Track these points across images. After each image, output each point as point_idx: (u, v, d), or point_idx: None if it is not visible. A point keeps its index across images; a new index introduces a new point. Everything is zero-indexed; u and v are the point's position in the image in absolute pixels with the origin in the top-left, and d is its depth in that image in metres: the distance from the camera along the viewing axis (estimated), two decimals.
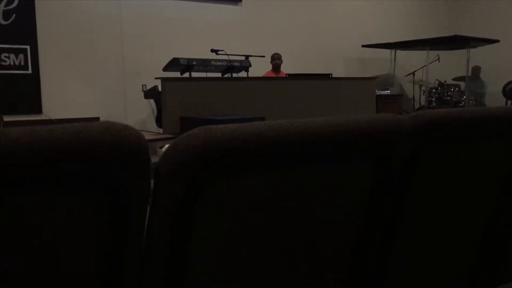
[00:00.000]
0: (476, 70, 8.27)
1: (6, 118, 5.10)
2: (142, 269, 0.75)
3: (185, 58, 5.17)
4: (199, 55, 5.43)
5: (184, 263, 0.76)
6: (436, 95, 7.82)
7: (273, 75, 6.49)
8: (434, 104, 7.78)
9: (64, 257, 0.67)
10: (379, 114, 0.91)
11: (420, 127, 0.95)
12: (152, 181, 0.73)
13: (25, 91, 5.77)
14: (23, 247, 0.65)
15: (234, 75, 5.70)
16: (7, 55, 5.67)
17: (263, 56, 6.14)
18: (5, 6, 5.62)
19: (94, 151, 0.59)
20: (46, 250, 0.65)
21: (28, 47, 5.77)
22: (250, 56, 5.81)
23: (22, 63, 5.76)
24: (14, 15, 5.66)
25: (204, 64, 5.33)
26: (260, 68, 6.20)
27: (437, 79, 8.07)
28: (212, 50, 5.59)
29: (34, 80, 5.82)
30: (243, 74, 5.76)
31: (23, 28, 5.72)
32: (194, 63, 5.21)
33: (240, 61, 5.64)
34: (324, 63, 7.72)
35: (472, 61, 7.80)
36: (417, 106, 8.52)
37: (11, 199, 0.60)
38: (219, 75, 5.64)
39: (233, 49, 5.79)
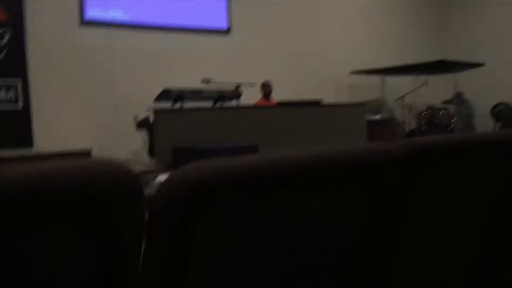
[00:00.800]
0: (460, 95, 8.38)
1: None
2: None
3: (176, 89, 5.21)
4: (191, 85, 5.47)
5: None
6: (426, 119, 7.91)
7: (264, 103, 6.54)
8: (424, 128, 7.86)
9: None
10: (369, 144, 0.93)
11: (410, 155, 0.97)
12: (146, 214, 0.73)
13: (16, 125, 5.77)
14: (20, 285, 0.64)
15: (226, 103, 5.74)
16: None
17: (254, 83, 6.21)
18: None
19: (87, 190, 0.60)
20: (43, 286, 0.65)
21: (20, 80, 5.79)
22: (241, 84, 5.87)
23: (13, 98, 5.77)
24: (5, 51, 5.70)
25: (195, 94, 5.37)
26: (251, 96, 6.26)
27: (426, 103, 8.18)
28: (203, 80, 5.64)
29: (25, 114, 5.82)
30: (234, 102, 5.80)
31: (14, 63, 5.75)
32: (185, 93, 5.25)
33: (231, 90, 5.69)
34: (315, 90, 7.79)
35: (460, 84, 7.92)
36: (408, 129, 8.60)
37: (6, 238, 0.59)
38: (210, 104, 5.68)
39: (224, 79, 5.85)
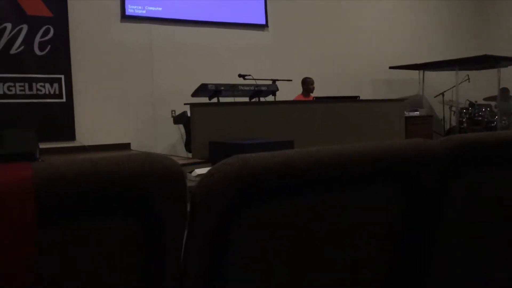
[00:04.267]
0: (505, 91, 8.09)
1: (42, 145, 5.25)
2: None
3: (213, 84, 5.26)
4: (227, 80, 5.52)
5: (220, 286, 0.78)
6: (467, 116, 7.70)
7: (303, 99, 6.52)
8: (465, 124, 7.65)
9: (104, 283, 0.70)
10: (409, 140, 0.92)
11: (450, 152, 0.95)
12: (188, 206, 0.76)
13: (60, 119, 5.96)
14: (65, 275, 0.67)
15: (262, 99, 5.76)
16: (42, 84, 5.88)
17: (290, 80, 6.20)
18: (41, 38, 5.85)
19: (134, 181, 0.62)
20: (88, 276, 0.68)
21: (62, 76, 5.98)
22: (277, 80, 5.87)
23: (57, 92, 5.96)
24: (49, 46, 5.89)
25: (232, 89, 5.40)
26: (287, 92, 6.25)
27: (467, 99, 7.95)
28: (240, 75, 5.67)
29: (68, 108, 6.01)
30: (270, 98, 5.81)
31: (58, 58, 5.94)
32: (222, 88, 5.29)
33: (267, 85, 5.70)
34: (352, 86, 7.72)
35: (504, 80, 7.66)
36: (447, 127, 8.39)
37: (55, 228, 0.63)
38: (246, 99, 5.70)
39: (260, 74, 5.87)
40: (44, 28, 5.86)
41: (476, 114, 7.66)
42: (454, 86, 7.64)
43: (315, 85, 6.76)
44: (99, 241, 0.67)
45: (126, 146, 6.12)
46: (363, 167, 0.85)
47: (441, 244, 1.11)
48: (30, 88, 5.81)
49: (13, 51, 5.70)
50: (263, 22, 7.36)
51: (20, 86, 5.75)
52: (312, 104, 5.84)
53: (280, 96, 5.87)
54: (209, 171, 0.72)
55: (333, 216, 0.89)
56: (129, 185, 0.62)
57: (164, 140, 6.51)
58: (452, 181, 1.00)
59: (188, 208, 0.73)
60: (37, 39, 5.83)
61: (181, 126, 6.14)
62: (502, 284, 1.30)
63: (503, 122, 7.65)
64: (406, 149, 0.88)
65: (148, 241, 0.69)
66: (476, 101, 7.94)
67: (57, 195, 0.58)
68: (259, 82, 5.64)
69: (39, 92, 5.85)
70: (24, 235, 0.61)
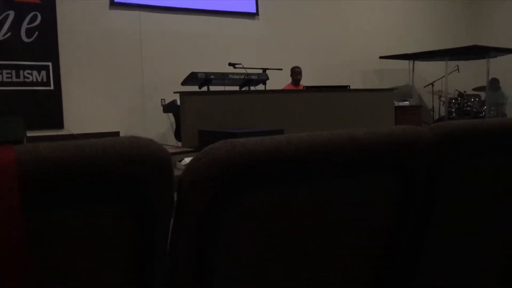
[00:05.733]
0: (495, 82, 8.14)
1: (29, 133, 5.20)
2: (167, 280, 0.76)
3: (203, 72, 5.22)
4: (217, 69, 5.49)
5: (208, 275, 0.77)
6: (456, 106, 7.74)
7: (293, 88, 6.51)
8: (454, 114, 7.70)
9: (91, 270, 0.69)
10: (398, 126, 0.91)
11: (439, 139, 0.95)
12: (175, 194, 0.75)
13: (47, 106, 5.89)
14: (52, 263, 0.66)
15: (252, 88, 5.74)
16: (30, 71, 5.80)
17: (281, 69, 6.18)
18: (28, 24, 5.76)
19: (119, 166, 0.61)
20: (73, 263, 0.67)
21: (50, 63, 5.90)
22: (267, 69, 5.85)
23: (45, 79, 5.89)
24: (36, 33, 5.80)
25: (222, 78, 5.38)
26: (277, 81, 6.24)
27: (456, 90, 8.00)
28: (230, 64, 5.64)
29: (56, 96, 5.94)
30: (260, 87, 5.79)
31: (45, 45, 5.85)
32: (212, 77, 5.27)
33: (258, 74, 5.67)
34: (342, 75, 7.72)
35: (493, 71, 7.71)
36: (436, 117, 8.44)
37: (40, 214, 0.61)
38: (237, 88, 5.68)
39: (251, 63, 5.84)
40: (31, 14, 5.77)
41: (465, 104, 7.71)
42: (444, 76, 7.67)
43: (306, 74, 6.74)
44: (87, 227, 0.66)
45: (115, 134, 6.07)
46: (355, 152, 0.85)
47: (435, 234, 1.11)
48: (17, 76, 5.73)
49: None
50: (254, 11, 7.31)
51: (7, 73, 5.67)
52: (302, 93, 5.83)
53: (270, 85, 5.85)
54: (196, 156, 0.71)
55: (325, 203, 0.89)
56: (115, 168, 0.61)
57: (154, 129, 6.47)
58: (443, 168, 1.00)
59: (175, 197, 0.72)
60: (24, 25, 5.74)
61: (170, 114, 6.10)
62: (496, 275, 1.31)
63: (491, 112, 7.71)
64: (397, 135, 0.88)
65: (133, 227, 0.68)
66: (465, 91, 7.98)
67: (41, 179, 0.57)
68: (249, 71, 5.61)
69: (26, 80, 5.77)
70: (12, 220, 0.60)
